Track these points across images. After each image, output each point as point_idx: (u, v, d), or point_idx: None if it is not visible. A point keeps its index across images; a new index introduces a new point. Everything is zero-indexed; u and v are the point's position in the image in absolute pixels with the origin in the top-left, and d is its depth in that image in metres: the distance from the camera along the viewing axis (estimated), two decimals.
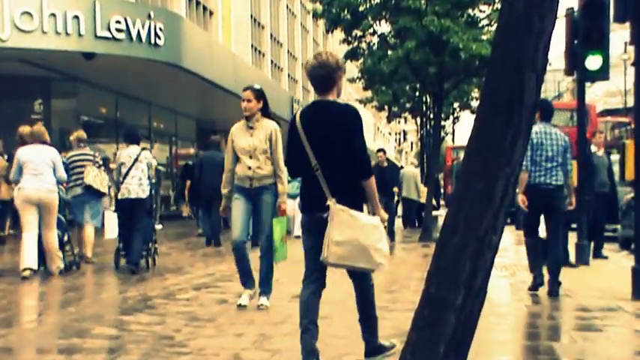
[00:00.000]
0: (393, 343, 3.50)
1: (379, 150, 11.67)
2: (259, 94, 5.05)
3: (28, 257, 6.65)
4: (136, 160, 7.12)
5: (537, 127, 5.78)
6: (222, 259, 8.80)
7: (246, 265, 5.10)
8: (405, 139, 76.94)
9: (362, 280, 3.48)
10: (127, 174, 7.21)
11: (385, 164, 11.32)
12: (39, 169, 6.78)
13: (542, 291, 6.01)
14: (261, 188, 4.95)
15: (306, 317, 3.31)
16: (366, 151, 3.33)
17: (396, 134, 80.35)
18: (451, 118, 24.45)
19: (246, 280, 5.17)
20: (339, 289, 6.14)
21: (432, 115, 20.00)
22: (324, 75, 3.35)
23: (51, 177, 6.83)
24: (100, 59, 12.23)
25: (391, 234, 11.16)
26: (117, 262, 7.61)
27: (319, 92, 3.42)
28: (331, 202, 3.22)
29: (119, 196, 7.31)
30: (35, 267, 6.73)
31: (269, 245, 4.89)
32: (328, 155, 3.26)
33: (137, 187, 7.13)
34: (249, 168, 4.94)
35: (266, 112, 5.05)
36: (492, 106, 2.70)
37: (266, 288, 5.08)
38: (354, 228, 3.19)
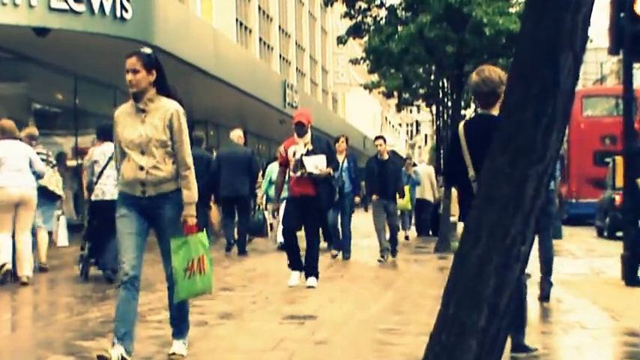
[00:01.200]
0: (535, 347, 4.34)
1: (377, 138, 10.87)
2: (150, 63, 4.14)
3: (6, 255, 7.09)
4: (110, 158, 7.18)
5: None
6: None
7: (130, 310, 4.06)
8: (417, 131, 77.17)
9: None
10: (101, 173, 7.33)
11: (386, 156, 10.55)
12: (18, 165, 7.12)
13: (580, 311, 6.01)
14: (159, 198, 4.08)
15: None
16: None
17: (407, 125, 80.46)
18: (472, 106, 24.49)
19: (124, 331, 4.04)
20: (338, 307, 6.18)
21: (449, 103, 20.00)
22: (488, 91, 4.12)
23: (30, 173, 7.25)
24: (54, 36, 12.19)
25: (393, 244, 10.71)
26: (84, 271, 7.78)
27: (483, 107, 4.24)
28: None
29: (92, 198, 7.45)
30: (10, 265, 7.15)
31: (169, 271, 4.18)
32: None
33: (113, 187, 7.19)
34: (141, 168, 4.05)
35: (164, 88, 4.20)
36: (521, 93, 2.71)
37: (180, 329, 4.29)
38: None
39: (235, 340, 4.95)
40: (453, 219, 13.15)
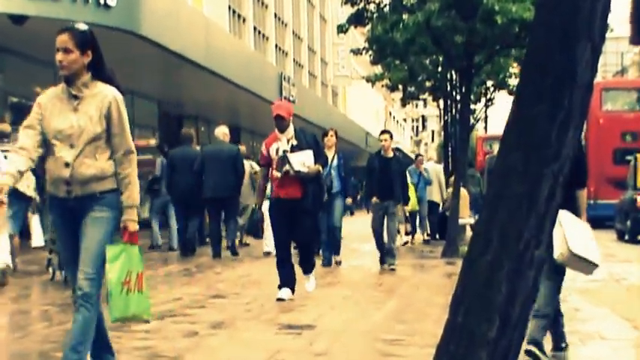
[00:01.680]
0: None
1: (383, 132, 10.51)
2: (85, 41, 3.78)
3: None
4: None
5: None
6: (190, 279, 8.83)
7: (85, 331, 3.69)
8: (424, 127, 77.22)
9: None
10: None
11: (390, 154, 10.22)
12: None
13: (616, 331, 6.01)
14: (88, 199, 3.72)
15: None
16: None
17: (413, 121, 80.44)
18: (483, 100, 24.52)
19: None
20: (338, 316, 6.18)
21: (458, 97, 20.01)
22: None
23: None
24: (32, 24, 12.18)
25: (388, 252, 10.15)
26: (54, 276, 8.07)
27: None
28: None
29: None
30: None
31: (93, 292, 3.68)
32: None
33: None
34: (67, 165, 3.71)
35: (100, 72, 3.84)
36: (535, 85, 2.71)
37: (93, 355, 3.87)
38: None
39: (228, 351, 4.95)
40: (461, 221, 13.18)
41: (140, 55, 15.10)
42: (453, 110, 22.84)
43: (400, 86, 21.16)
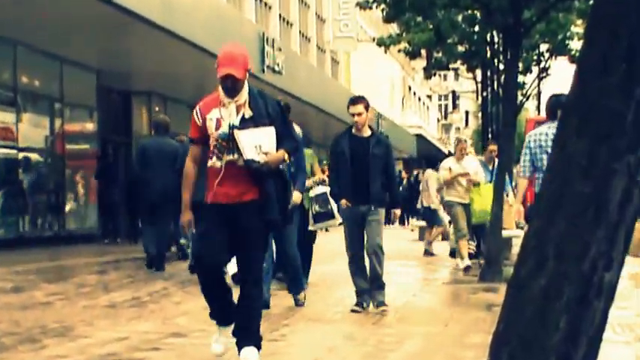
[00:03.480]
0: None
1: (355, 100, 9.24)
2: None
3: None
4: None
5: (543, 129, 8.53)
6: (140, 312, 8.83)
7: None
8: (455, 106, 77.32)
9: None
10: None
11: (368, 133, 9.23)
12: None
13: None
14: None
15: None
16: None
17: (440, 99, 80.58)
18: (535, 70, 24.58)
19: None
20: (336, 332, 6.15)
21: (502, 66, 20.04)
22: None
23: None
24: None
25: (374, 281, 9.19)
26: None
27: None
28: None
29: None
30: None
31: None
32: None
33: None
34: None
35: None
36: (604, 51, 2.71)
37: None
38: None
39: None
40: (505, 233, 13.15)
41: (71, 8, 15.07)
42: (495, 84, 22.89)
43: (423, 52, 21.18)
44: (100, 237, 20.19)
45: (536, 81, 26.01)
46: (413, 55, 21.22)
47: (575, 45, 19.54)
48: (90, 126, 21.63)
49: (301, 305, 9.35)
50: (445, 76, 72.76)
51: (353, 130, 9.19)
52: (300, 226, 9.89)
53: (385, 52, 24.16)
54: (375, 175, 9.03)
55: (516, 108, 14.77)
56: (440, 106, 79.58)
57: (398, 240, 23.16)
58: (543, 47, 21.78)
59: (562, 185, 2.74)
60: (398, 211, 10.07)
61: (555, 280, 2.69)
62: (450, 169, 13.55)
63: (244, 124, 5.97)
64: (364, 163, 9.04)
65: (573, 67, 2.89)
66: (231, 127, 5.95)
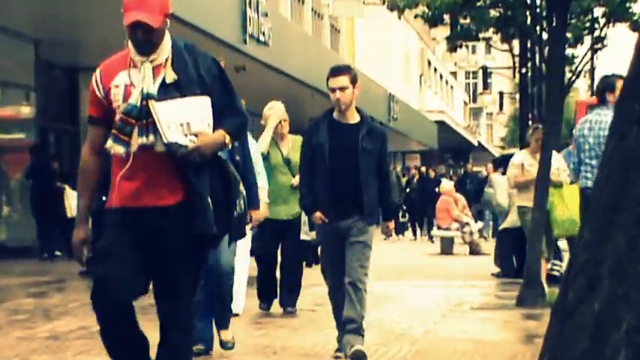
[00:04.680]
0: None
1: (335, 71, 8.48)
2: None
3: None
4: None
5: (591, 115, 8.92)
6: (92, 344, 8.81)
7: None
8: (486, 86, 77.40)
9: None
10: None
11: (355, 119, 8.48)
12: None
13: None
14: None
15: None
16: None
17: (467, 76, 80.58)
18: (587, 40, 24.58)
19: None
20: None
21: (545, 36, 20.04)
22: None
23: None
24: None
25: (347, 323, 8.41)
26: None
27: None
28: None
29: None
30: None
31: None
32: None
33: None
34: None
35: None
36: None
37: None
38: None
39: None
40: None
41: None
42: (537, 58, 22.89)
43: (446, 17, 21.21)
44: (39, 250, 20.12)
45: (589, 54, 26.01)
46: (434, 21, 21.24)
47: (638, 8, 19.58)
48: (26, 110, 21.59)
49: (230, 349, 8.63)
50: (474, 49, 72.68)
51: (334, 114, 8.45)
52: (282, 234, 9.99)
53: (399, 17, 24.14)
54: (366, 179, 8.30)
55: (564, 88, 14.76)
56: (467, 85, 79.71)
57: (414, 254, 23.24)
58: (598, 12, 21.80)
59: (620, 188, 2.75)
60: (392, 224, 9.23)
61: (612, 304, 2.70)
62: (522, 166, 13.26)
63: (165, 92, 5.23)
64: (350, 161, 8.30)
65: (635, 36, 2.89)
66: (145, 97, 5.21)
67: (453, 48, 24.23)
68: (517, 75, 27.29)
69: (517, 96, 30.25)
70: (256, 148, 10.15)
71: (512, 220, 15.38)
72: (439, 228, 23.01)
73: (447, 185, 24.09)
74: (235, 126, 5.43)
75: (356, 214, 8.26)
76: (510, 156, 16.22)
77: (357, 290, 8.16)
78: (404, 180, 34.20)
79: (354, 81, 8.32)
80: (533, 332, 9.54)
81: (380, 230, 9.18)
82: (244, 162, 8.31)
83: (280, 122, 11.17)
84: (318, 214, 8.32)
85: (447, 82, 69.41)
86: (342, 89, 8.23)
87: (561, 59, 13.71)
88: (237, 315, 10.81)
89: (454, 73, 73.62)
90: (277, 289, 11.38)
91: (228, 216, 5.39)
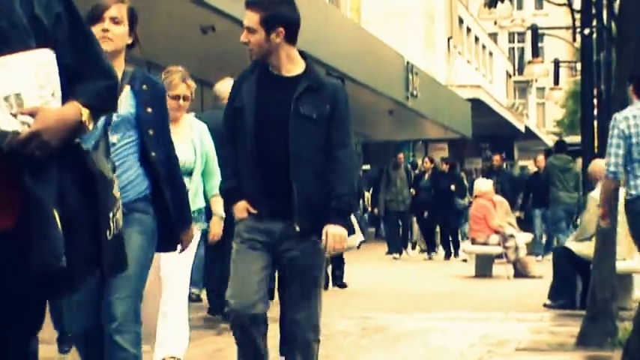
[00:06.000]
0: None
1: (249, 4, 7.75)
2: None
3: None
4: None
5: (633, 111, 9.62)
6: None
7: None
8: (536, 54, 77.59)
9: None
10: None
11: (297, 69, 7.61)
12: None
13: None
14: None
15: None
16: None
17: (512, 39, 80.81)
18: None
19: None
20: None
21: None
22: None
23: None
24: None
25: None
26: None
27: None
28: None
29: None
30: None
31: None
32: None
33: None
34: None
35: None
36: None
37: None
38: None
39: None
40: (622, 267, 13.06)
41: None
42: (604, 16, 22.80)
43: None
44: None
45: None
46: None
47: None
48: None
49: None
50: (520, 3, 73.03)
51: (270, 69, 7.48)
52: None
53: None
54: (298, 160, 7.26)
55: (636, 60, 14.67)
56: (511, 51, 79.90)
57: (441, 278, 23.20)
58: None
59: None
60: (337, 232, 7.38)
61: None
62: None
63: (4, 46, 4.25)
64: (281, 133, 7.29)
65: None
66: None
67: (492, 1, 24.21)
68: (578, 37, 27.18)
69: (578, 65, 30.22)
70: (208, 136, 9.65)
71: (581, 234, 15.37)
72: (473, 242, 22.47)
73: (483, 185, 23.51)
74: (96, 93, 4.49)
75: (290, 216, 7.29)
76: (569, 145, 16.03)
77: (306, 354, 7.45)
78: (413, 175, 33.77)
79: (267, 23, 7.26)
80: None
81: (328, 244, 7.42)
82: (168, 159, 7.10)
83: None
84: (242, 203, 7.39)
85: (484, 47, 69.55)
86: (249, 31, 7.33)
87: (638, 16, 13.61)
88: None
89: (494, 35, 73.75)
90: None
91: (94, 240, 4.48)
